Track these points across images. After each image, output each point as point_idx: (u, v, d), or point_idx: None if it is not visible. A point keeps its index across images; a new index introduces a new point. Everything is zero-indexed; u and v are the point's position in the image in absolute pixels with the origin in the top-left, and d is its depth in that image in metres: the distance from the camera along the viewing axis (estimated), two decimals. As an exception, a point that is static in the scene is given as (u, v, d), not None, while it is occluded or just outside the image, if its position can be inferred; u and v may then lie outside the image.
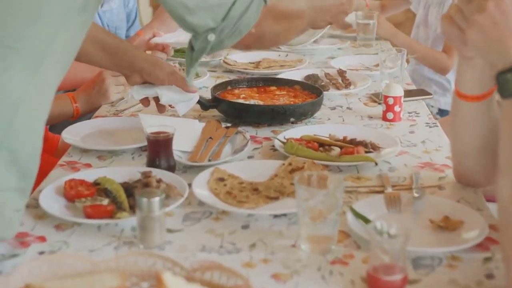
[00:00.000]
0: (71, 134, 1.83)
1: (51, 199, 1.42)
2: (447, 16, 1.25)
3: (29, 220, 1.37)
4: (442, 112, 3.24)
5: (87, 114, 2.15)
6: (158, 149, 1.57)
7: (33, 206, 1.43)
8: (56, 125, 2.35)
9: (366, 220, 1.30)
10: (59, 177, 1.54)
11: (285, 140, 1.72)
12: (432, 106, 3.18)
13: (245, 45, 1.69)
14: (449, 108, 3.23)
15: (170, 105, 1.94)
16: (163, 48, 2.47)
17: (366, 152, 1.68)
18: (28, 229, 1.34)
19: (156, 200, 1.25)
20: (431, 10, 3.24)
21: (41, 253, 1.26)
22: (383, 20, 3.08)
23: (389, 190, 1.48)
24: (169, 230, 1.33)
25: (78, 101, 2.08)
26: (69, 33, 1.25)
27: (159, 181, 1.45)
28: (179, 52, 2.67)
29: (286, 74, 2.37)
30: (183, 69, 2.10)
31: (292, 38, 1.83)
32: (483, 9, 1.14)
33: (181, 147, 1.68)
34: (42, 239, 1.31)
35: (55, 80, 1.28)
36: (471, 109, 1.38)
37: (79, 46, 1.32)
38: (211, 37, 1.49)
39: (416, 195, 1.45)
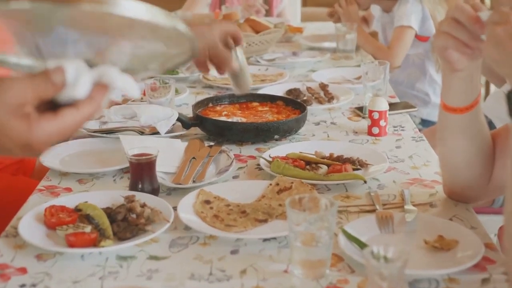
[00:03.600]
0: (49, 157, 1.77)
1: (31, 227, 1.36)
2: (441, 32, 1.21)
3: (8, 250, 1.31)
4: (424, 122, 3.23)
5: None
6: (141, 172, 1.51)
7: (12, 235, 1.37)
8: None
9: (360, 244, 1.26)
10: (38, 203, 1.48)
11: (270, 159, 1.67)
12: (415, 116, 3.16)
13: None
14: (431, 118, 3.23)
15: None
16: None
17: (354, 169, 1.64)
18: (7, 260, 1.28)
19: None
20: (388, 31, 3.31)
21: (22, 286, 1.20)
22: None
23: (380, 209, 1.45)
24: (156, 258, 1.28)
25: None
26: None
27: (143, 205, 1.40)
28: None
29: (268, 89, 2.33)
30: (163, 87, 2.05)
31: None
32: (505, 21, 1.08)
33: (163, 168, 1.63)
34: (23, 270, 1.24)
35: None
36: (459, 121, 1.35)
37: None
38: None
39: (408, 214, 1.41)
